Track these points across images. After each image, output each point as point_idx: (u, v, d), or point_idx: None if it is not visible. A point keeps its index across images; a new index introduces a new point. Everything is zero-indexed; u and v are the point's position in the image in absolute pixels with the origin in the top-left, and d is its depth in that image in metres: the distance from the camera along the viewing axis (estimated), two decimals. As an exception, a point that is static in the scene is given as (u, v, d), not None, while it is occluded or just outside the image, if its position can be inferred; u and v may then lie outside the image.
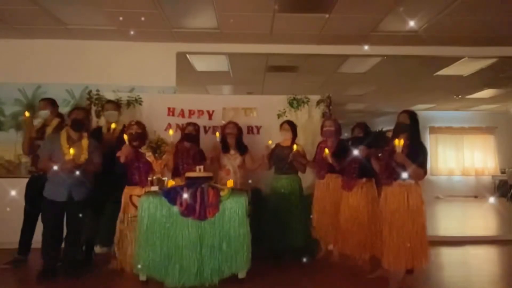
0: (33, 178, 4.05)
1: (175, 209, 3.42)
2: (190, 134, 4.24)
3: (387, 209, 3.42)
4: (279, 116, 5.02)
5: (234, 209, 3.47)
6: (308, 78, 6.95)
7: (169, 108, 4.95)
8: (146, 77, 5.24)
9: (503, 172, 10.50)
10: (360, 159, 3.82)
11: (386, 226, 3.39)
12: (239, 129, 4.44)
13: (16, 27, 4.83)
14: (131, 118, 4.66)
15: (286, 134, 4.37)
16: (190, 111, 4.98)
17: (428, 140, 10.99)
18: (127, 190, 3.83)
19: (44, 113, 4.07)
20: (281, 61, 6.01)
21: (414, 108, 10.36)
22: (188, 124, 4.37)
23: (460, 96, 8.72)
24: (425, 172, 3.36)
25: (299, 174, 4.40)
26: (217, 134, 4.40)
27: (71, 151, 3.51)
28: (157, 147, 3.76)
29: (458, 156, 11.12)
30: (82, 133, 3.76)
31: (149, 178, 3.75)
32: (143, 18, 4.50)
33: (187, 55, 5.60)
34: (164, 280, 3.37)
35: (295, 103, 5.04)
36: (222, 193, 3.49)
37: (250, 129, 4.97)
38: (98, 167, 3.78)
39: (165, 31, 4.92)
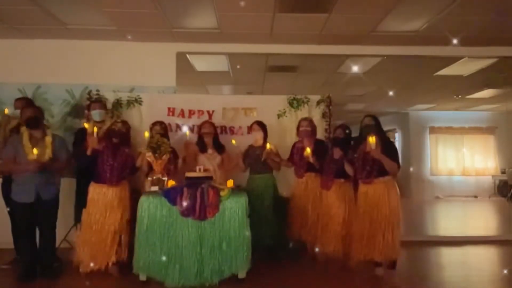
0: (6, 179, 3.92)
1: (175, 209, 3.43)
2: (159, 133, 4.10)
3: (366, 204, 3.65)
4: (279, 116, 5.03)
5: (234, 209, 3.47)
6: (308, 78, 6.95)
7: (169, 108, 4.95)
8: (146, 77, 5.24)
9: (503, 172, 10.49)
10: (336, 159, 3.97)
11: (364, 221, 3.62)
12: (215, 129, 4.49)
13: (16, 27, 4.83)
14: (131, 118, 4.68)
15: (257, 134, 4.42)
16: (190, 111, 4.98)
17: (428, 140, 11.00)
18: (93, 188, 3.72)
19: (19, 112, 3.94)
20: (281, 61, 6.00)
21: (414, 108, 10.46)
22: (154, 123, 4.35)
23: (460, 96, 8.71)
24: (399, 167, 3.62)
25: (274, 173, 4.46)
26: (187, 133, 4.44)
27: (35, 150, 3.42)
28: (157, 147, 3.74)
29: (458, 156, 11.11)
30: (44, 130, 3.67)
31: (149, 178, 3.75)
32: (143, 18, 4.50)
33: (187, 55, 5.59)
34: (164, 280, 3.37)
35: (295, 103, 5.04)
36: (222, 193, 3.49)
37: (250, 129, 4.96)
38: (65, 164, 3.71)
39: (165, 31, 4.92)
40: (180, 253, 3.38)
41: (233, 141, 4.40)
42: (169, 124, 4.82)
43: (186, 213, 3.41)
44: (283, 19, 4.56)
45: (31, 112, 3.64)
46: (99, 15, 4.43)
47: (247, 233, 3.46)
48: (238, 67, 6.15)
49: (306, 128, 4.36)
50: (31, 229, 3.62)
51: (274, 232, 4.22)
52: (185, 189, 3.45)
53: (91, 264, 3.58)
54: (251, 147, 4.46)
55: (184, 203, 3.40)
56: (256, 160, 4.32)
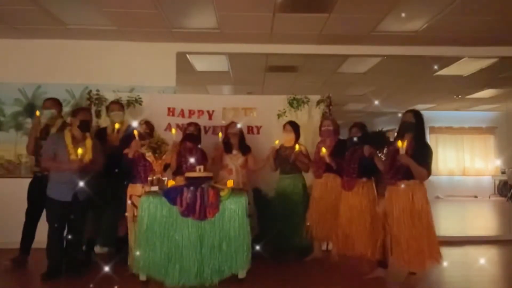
0: (36, 178, 4.03)
1: (175, 209, 3.43)
2: (192, 134, 4.26)
3: (394, 209, 3.41)
4: (279, 116, 5.02)
5: (234, 209, 3.47)
6: (308, 78, 6.95)
7: (169, 108, 4.96)
8: (146, 77, 5.24)
9: (503, 172, 10.48)
10: (359, 158, 3.83)
11: (395, 226, 3.39)
12: (242, 130, 4.50)
13: (16, 27, 4.83)
14: (131, 118, 4.68)
15: (288, 135, 4.40)
16: (190, 111, 4.99)
17: (428, 140, 10.96)
18: (130, 188, 3.86)
19: (50, 112, 4.06)
20: (281, 61, 6.00)
21: (414, 108, 10.42)
22: (189, 124, 4.40)
23: (460, 96, 8.71)
24: (429, 173, 3.36)
25: (304, 174, 4.44)
26: (220, 134, 4.42)
27: (79, 151, 3.54)
28: (157, 147, 3.76)
29: (458, 156, 11.11)
30: (85, 133, 3.77)
31: (149, 178, 3.76)
32: (143, 18, 4.50)
33: (187, 55, 5.60)
34: (164, 280, 3.37)
35: (295, 103, 5.04)
36: (222, 193, 3.49)
37: (250, 129, 4.98)
38: (101, 167, 3.82)
39: (165, 31, 4.92)
40: (180, 253, 3.37)
41: (277, 142, 4.35)
42: (169, 124, 4.83)
43: (186, 213, 3.41)
44: (283, 19, 4.56)
45: (86, 116, 3.80)
46: (99, 15, 4.43)
47: (248, 233, 3.47)
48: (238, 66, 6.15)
49: (328, 128, 4.31)
50: (61, 228, 3.66)
51: (302, 233, 4.23)
52: (185, 189, 3.45)
53: None
54: (281, 147, 4.42)
55: (184, 203, 3.41)
56: (285, 160, 4.32)
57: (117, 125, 4.15)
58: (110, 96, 4.85)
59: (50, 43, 5.21)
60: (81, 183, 3.60)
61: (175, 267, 3.36)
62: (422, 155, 3.33)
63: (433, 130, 10.99)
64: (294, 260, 4.23)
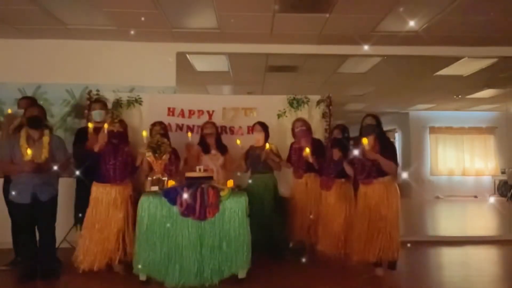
0: (6, 179, 3.88)
1: (175, 209, 3.43)
2: (159, 134, 4.10)
3: (365, 205, 3.63)
4: (279, 116, 5.02)
5: (234, 209, 3.47)
6: (308, 78, 6.95)
7: (169, 108, 4.95)
8: (146, 77, 5.24)
9: (503, 172, 10.49)
10: (337, 160, 3.98)
11: (363, 221, 3.61)
12: (217, 129, 4.50)
13: (16, 27, 4.83)
14: (131, 118, 4.68)
15: (258, 135, 4.44)
16: (190, 111, 4.98)
17: (428, 140, 11.00)
18: (96, 188, 3.76)
19: (22, 111, 3.91)
20: (281, 61, 6.00)
21: (414, 108, 10.45)
22: (154, 124, 4.34)
23: (460, 96, 8.71)
24: (397, 165, 3.60)
25: (275, 173, 4.48)
26: (189, 134, 4.43)
27: (29, 151, 3.38)
28: (157, 147, 3.75)
29: (458, 156, 11.11)
30: (42, 130, 3.64)
31: (149, 178, 3.75)
32: (143, 18, 4.50)
33: (187, 55, 5.60)
34: (164, 280, 3.37)
35: (295, 103, 5.04)
36: (222, 193, 3.49)
37: (250, 129, 4.97)
38: (63, 165, 3.69)
39: (165, 31, 4.92)
40: (180, 253, 3.37)
41: (238, 141, 4.40)
42: (169, 124, 4.82)
43: (186, 213, 3.40)
44: (283, 19, 4.56)
45: (34, 112, 3.62)
46: (99, 15, 4.43)
47: (248, 233, 3.46)
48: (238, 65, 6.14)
49: (302, 128, 4.39)
50: (30, 230, 3.61)
51: (274, 232, 4.23)
52: (185, 189, 3.45)
53: (94, 263, 3.61)
54: (252, 147, 4.47)
55: (184, 203, 3.40)
56: (257, 160, 4.33)
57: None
58: (110, 96, 4.85)
59: (50, 43, 5.21)
60: (40, 184, 3.50)
61: (175, 267, 3.36)
62: (387, 151, 3.58)
63: (433, 130, 11.01)
64: (289, 260, 4.19)
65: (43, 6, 4.21)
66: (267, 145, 4.24)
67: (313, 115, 5.03)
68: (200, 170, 3.72)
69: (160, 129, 4.25)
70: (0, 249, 4.39)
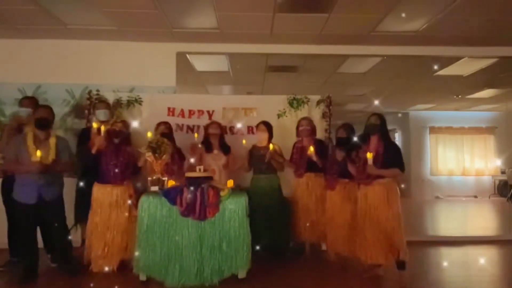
0: (7, 179, 3.89)
1: (175, 209, 3.43)
2: (163, 133, 4.14)
3: (367, 206, 3.61)
4: (279, 116, 5.02)
5: (234, 209, 3.48)
6: (308, 78, 6.95)
7: (169, 108, 4.95)
8: (146, 77, 5.23)
9: (503, 172, 10.49)
10: (340, 160, 3.97)
11: (366, 222, 3.59)
12: (222, 129, 4.50)
13: (16, 27, 4.83)
14: (131, 118, 4.68)
15: (262, 135, 4.44)
16: (190, 111, 4.98)
17: (428, 140, 11.00)
18: (97, 188, 3.78)
19: (26, 111, 3.98)
20: (281, 61, 6.00)
21: (414, 108, 10.45)
22: (159, 124, 4.34)
23: (460, 96, 8.71)
24: (402, 169, 3.55)
25: (279, 173, 4.47)
26: (196, 134, 4.45)
27: (38, 152, 3.39)
28: (157, 147, 3.74)
29: (458, 156, 11.11)
30: (49, 132, 3.67)
31: (149, 178, 3.75)
32: (143, 18, 4.50)
33: (187, 55, 5.60)
34: (164, 280, 3.37)
35: (295, 103, 5.04)
36: (222, 193, 3.49)
37: (250, 129, 4.97)
38: (69, 166, 3.73)
39: (165, 31, 4.91)
40: (180, 253, 3.38)
41: (244, 142, 4.41)
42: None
43: (186, 213, 3.41)
44: (283, 19, 4.56)
45: (45, 113, 3.65)
46: (99, 15, 4.43)
47: (248, 233, 3.46)
48: (238, 67, 6.15)
49: (306, 127, 4.40)
50: (31, 230, 3.61)
51: (277, 232, 4.22)
52: (185, 189, 3.45)
53: (103, 264, 3.66)
54: (255, 147, 4.46)
55: (184, 203, 3.40)
56: (260, 160, 4.32)
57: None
58: (110, 96, 4.86)
59: (50, 43, 5.21)
60: (46, 184, 3.52)
61: (175, 267, 3.36)
62: (393, 155, 3.54)
63: (433, 130, 11.01)
64: (289, 260, 4.21)
65: (43, 6, 4.21)
66: (271, 146, 4.23)
67: (313, 115, 5.02)
68: (200, 170, 3.72)
69: (165, 128, 4.26)
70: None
